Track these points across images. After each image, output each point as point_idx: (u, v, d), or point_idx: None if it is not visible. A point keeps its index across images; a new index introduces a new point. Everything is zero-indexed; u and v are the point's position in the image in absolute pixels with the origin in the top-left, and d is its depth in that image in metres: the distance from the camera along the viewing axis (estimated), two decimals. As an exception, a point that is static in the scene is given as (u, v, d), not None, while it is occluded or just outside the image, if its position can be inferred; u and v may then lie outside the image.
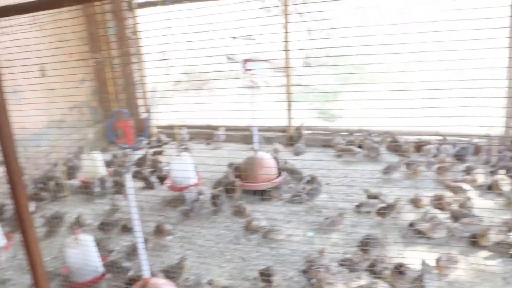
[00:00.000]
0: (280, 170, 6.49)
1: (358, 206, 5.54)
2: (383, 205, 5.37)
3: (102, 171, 7.08)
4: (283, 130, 8.35)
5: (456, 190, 5.57)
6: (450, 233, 4.84)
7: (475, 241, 4.64)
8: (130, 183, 3.38)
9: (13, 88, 6.33)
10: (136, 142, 3.69)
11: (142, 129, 8.38)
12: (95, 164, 6.98)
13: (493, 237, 4.57)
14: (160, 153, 7.82)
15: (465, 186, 5.63)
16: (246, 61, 6.00)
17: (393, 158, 6.85)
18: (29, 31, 5.69)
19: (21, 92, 6.61)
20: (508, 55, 6.08)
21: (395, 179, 6.36)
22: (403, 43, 4.14)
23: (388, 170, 6.34)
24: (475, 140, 6.85)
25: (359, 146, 7.38)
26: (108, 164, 7.48)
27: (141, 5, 8.70)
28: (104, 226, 5.51)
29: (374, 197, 5.66)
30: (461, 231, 4.77)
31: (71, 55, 7.15)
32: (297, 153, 7.59)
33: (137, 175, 7.03)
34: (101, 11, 8.43)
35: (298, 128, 8.11)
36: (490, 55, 3.94)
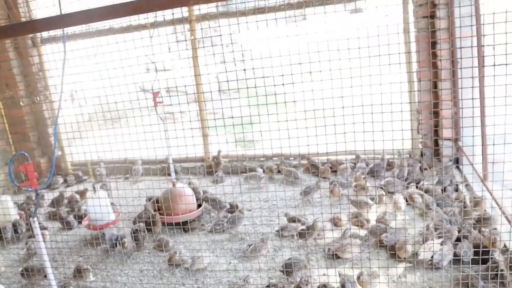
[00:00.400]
0: (200, 200, 6.47)
1: (279, 230, 5.61)
2: (303, 227, 5.46)
3: (14, 215, 6.72)
4: (201, 159, 8.35)
5: (360, 205, 5.77)
6: (365, 250, 4.99)
7: (394, 254, 4.80)
8: (37, 229, 3.24)
9: None
10: (41, 185, 3.55)
11: (56, 168, 8.10)
12: (5, 208, 6.62)
13: (410, 248, 4.75)
14: (83, 193, 7.56)
15: (370, 201, 5.85)
16: (156, 93, 5.98)
17: (311, 180, 7.00)
18: None
19: None
20: (407, 80, 6.46)
21: (314, 200, 6.50)
22: (313, 72, 4.30)
23: (306, 192, 6.47)
24: (387, 157, 7.16)
25: (278, 171, 7.52)
26: (20, 207, 7.14)
27: (45, 41, 8.47)
28: (23, 273, 5.20)
29: (295, 220, 5.75)
30: (390, 240, 4.93)
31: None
32: (216, 182, 7.61)
33: (53, 216, 6.79)
34: (3, 47, 8.13)
35: (215, 157, 8.14)
36: (393, 81, 4.17)
